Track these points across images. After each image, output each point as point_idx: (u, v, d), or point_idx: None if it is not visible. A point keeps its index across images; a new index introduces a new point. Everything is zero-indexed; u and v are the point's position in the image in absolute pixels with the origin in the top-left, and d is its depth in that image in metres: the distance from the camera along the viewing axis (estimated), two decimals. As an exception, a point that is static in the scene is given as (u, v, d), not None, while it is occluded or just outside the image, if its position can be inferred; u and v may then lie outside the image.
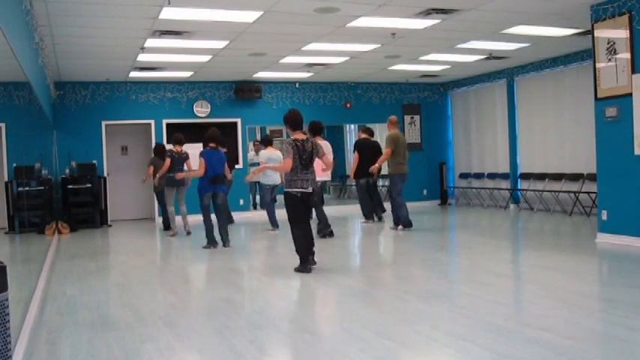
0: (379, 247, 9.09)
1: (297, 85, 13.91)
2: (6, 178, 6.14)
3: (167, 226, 10.78)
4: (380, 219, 11.25)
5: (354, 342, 4.03)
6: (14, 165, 6.07)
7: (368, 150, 10.75)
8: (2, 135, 5.27)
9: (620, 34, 7.48)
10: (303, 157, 6.29)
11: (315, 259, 6.64)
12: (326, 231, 9.22)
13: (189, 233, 10.07)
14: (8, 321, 2.97)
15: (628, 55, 7.39)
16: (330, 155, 8.82)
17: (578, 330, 4.17)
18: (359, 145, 10.91)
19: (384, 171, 11.12)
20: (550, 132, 12.13)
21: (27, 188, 6.65)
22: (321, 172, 8.34)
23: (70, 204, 11.77)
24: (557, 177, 11.84)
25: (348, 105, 14.32)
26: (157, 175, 10.31)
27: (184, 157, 10.21)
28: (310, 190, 6.31)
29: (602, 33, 7.73)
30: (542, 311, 4.72)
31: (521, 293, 5.77)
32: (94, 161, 12.44)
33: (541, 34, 9.52)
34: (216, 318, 4.83)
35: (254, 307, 5.46)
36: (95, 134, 12.56)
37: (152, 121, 12.94)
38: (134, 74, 11.87)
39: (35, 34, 6.86)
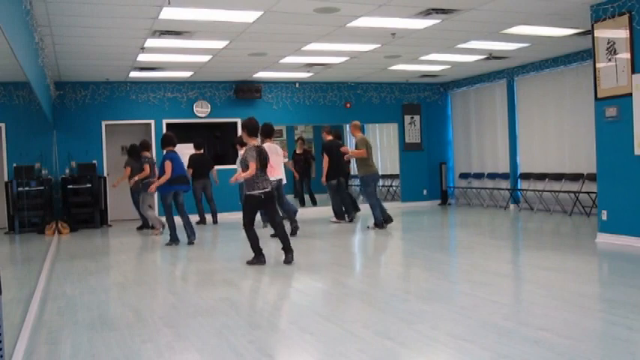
0: (378, 247, 9.09)
1: (297, 85, 13.90)
2: (6, 178, 6.14)
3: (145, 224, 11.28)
4: (352, 220, 11.43)
5: (354, 342, 4.03)
6: (14, 165, 6.06)
7: (337, 151, 11.04)
8: (2, 135, 5.27)
9: (620, 34, 7.48)
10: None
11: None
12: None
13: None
14: (1, 325, 2.97)
15: (628, 55, 7.39)
16: (279, 157, 9.46)
17: (578, 330, 4.17)
18: (327, 148, 11.15)
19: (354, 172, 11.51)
20: (550, 132, 12.13)
21: (27, 188, 6.65)
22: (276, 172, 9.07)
23: (70, 204, 11.77)
24: (557, 177, 11.84)
25: (348, 105, 14.31)
26: (136, 178, 10.56)
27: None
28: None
29: (602, 33, 7.73)
30: (542, 311, 4.72)
31: (521, 293, 5.77)
32: (94, 161, 12.45)
33: (541, 34, 9.52)
34: (216, 318, 4.83)
35: (254, 307, 5.46)
36: (95, 134, 12.56)
37: (152, 121, 12.95)
38: (134, 74, 11.87)
39: (35, 34, 6.86)
